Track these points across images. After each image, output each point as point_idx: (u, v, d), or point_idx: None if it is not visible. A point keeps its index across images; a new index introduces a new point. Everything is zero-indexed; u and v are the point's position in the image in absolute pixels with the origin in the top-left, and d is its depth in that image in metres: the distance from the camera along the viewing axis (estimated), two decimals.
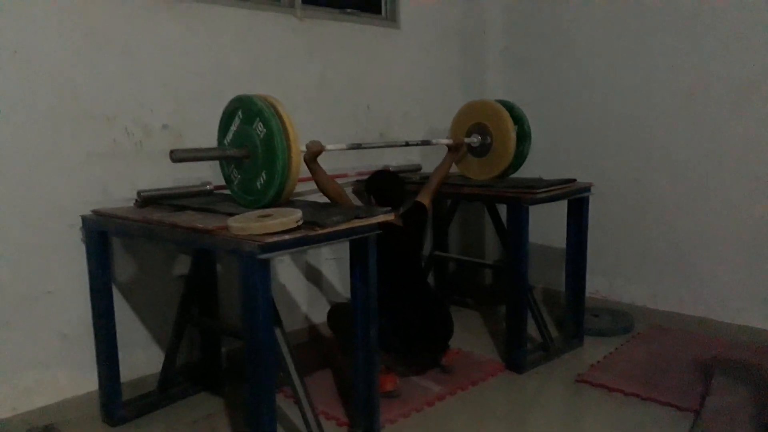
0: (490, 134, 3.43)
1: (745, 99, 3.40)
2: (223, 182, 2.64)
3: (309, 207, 2.42)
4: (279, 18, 3.30)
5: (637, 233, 3.91)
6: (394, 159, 3.90)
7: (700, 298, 3.66)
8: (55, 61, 2.54)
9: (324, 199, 2.77)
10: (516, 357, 3.14)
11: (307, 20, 3.41)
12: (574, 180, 3.38)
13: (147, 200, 2.61)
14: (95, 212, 2.60)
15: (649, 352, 3.34)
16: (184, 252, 2.97)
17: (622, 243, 3.98)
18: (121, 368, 2.67)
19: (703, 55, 3.52)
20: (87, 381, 2.70)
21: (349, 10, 3.68)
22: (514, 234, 3.09)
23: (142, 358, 2.90)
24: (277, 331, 2.27)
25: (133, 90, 2.77)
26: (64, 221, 2.60)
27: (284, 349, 2.29)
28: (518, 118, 3.51)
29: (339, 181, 3.17)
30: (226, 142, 2.52)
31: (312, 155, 2.64)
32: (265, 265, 1.99)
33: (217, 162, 2.67)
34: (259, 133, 2.33)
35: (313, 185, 2.77)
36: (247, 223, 2.02)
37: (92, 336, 2.67)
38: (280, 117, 2.31)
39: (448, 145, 3.34)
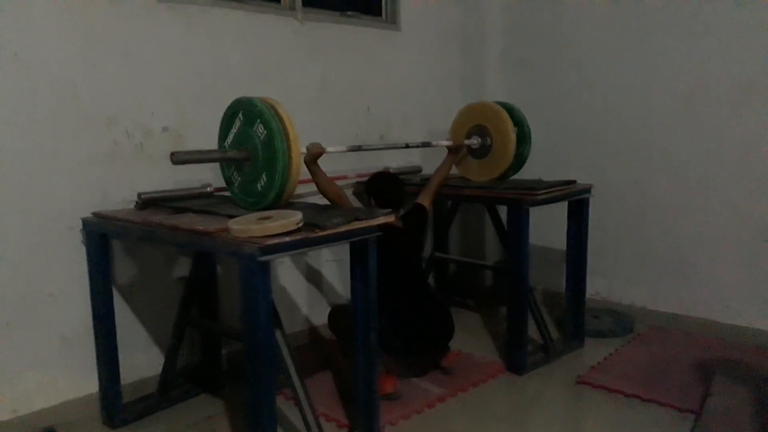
0: (490, 136, 3.44)
1: (745, 99, 3.40)
2: (223, 184, 2.64)
3: (309, 209, 2.43)
4: (279, 20, 3.30)
5: (637, 234, 3.91)
6: (394, 161, 3.90)
7: (700, 299, 3.66)
8: (55, 63, 2.55)
9: (324, 201, 2.77)
10: (516, 358, 3.14)
11: (308, 22, 3.42)
12: (574, 181, 3.38)
13: (147, 202, 2.61)
14: (95, 214, 2.60)
15: (649, 353, 3.34)
16: (184, 254, 2.98)
17: (622, 244, 3.98)
18: (121, 370, 2.67)
19: (703, 55, 3.52)
20: (87, 383, 2.70)
21: (349, 13, 3.68)
22: (515, 235, 3.09)
23: (142, 360, 2.90)
24: (278, 333, 2.27)
25: (133, 92, 2.78)
26: (65, 223, 2.60)
27: (284, 351, 2.29)
28: (518, 120, 3.52)
29: (339, 182, 3.17)
30: (226, 144, 2.52)
31: (312, 157, 2.64)
32: (266, 267, 1.99)
33: (217, 164, 2.67)
34: (259, 134, 2.33)
35: (313, 187, 2.78)
36: (247, 225, 2.03)
37: (92, 338, 2.67)
38: (280, 119, 2.31)
39: (448, 147, 3.34)
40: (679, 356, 3.27)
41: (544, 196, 3.07)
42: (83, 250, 2.63)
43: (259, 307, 1.99)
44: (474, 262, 4.45)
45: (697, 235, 3.65)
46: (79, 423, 2.65)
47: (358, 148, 3.07)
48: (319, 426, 2.34)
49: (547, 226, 3.85)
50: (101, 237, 2.57)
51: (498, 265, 4.29)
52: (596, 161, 4.00)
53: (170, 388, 2.84)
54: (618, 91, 3.89)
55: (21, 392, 2.55)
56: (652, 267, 3.86)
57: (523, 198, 3.02)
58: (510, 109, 3.50)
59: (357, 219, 2.24)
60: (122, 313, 2.79)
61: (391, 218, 2.34)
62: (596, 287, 4.03)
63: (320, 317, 3.59)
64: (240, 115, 2.43)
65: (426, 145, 3.36)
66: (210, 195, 2.79)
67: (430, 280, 4.13)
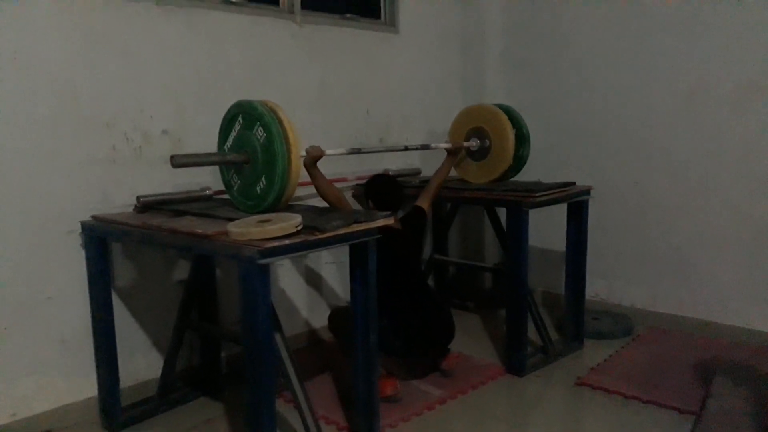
0: (488, 138, 3.44)
1: (745, 99, 3.40)
2: (222, 187, 2.64)
3: (309, 212, 2.43)
4: (278, 23, 3.30)
5: (636, 235, 3.91)
6: (393, 163, 3.90)
7: (700, 299, 3.66)
8: (55, 66, 2.55)
9: (323, 204, 2.77)
10: (516, 360, 3.14)
11: (307, 26, 3.42)
12: (574, 183, 3.38)
13: (146, 205, 2.61)
14: (95, 218, 2.60)
15: (649, 354, 3.34)
16: (183, 257, 2.98)
17: (621, 245, 3.98)
18: (120, 373, 2.67)
19: (703, 55, 3.52)
20: (86, 386, 2.70)
21: (348, 15, 3.69)
22: (514, 237, 3.09)
23: (141, 363, 2.90)
24: (277, 336, 2.27)
25: (133, 95, 2.78)
26: (64, 226, 2.60)
27: (284, 354, 2.29)
28: (516, 122, 3.52)
29: (338, 185, 3.17)
30: (226, 147, 2.52)
31: (312, 160, 2.64)
32: (265, 270, 1.99)
33: (216, 167, 2.67)
34: (259, 137, 2.33)
35: (312, 190, 2.77)
36: (246, 228, 2.03)
37: (92, 341, 2.67)
38: (280, 121, 2.31)
39: (446, 149, 3.34)
40: (679, 357, 3.27)
41: (543, 198, 3.07)
42: (83, 253, 2.63)
43: (259, 309, 1.99)
44: (473, 264, 4.46)
45: (697, 236, 3.65)
46: (79, 426, 2.65)
47: (357, 151, 3.07)
48: (319, 428, 2.33)
49: (547, 228, 3.86)
50: (100, 240, 2.57)
51: (497, 267, 4.28)
52: (596, 162, 4.00)
53: (170, 391, 2.84)
54: (618, 91, 3.89)
55: (20, 396, 2.55)
56: (652, 268, 3.86)
57: (523, 200, 3.02)
58: (508, 111, 3.50)
59: (356, 221, 2.24)
60: (122, 316, 2.78)
61: (390, 220, 2.35)
62: (596, 288, 4.03)
63: (320, 319, 3.59)
64: (240, 118, 2.43)
65: (425, 147, 3.36)
66: (209, 198, 2.79)
67: (430, 282, 4.13)
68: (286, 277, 3.48)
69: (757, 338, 3.41)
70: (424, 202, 3.15)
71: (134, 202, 2.64)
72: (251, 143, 2.36)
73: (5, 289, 2.48)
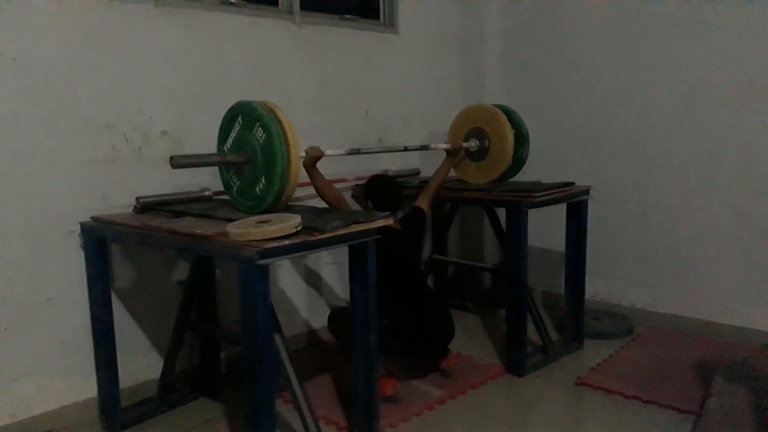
0: (487, 138, 3.44)
1: (745, 99, 3.40)
2: (221, 188, 2.64)
3: (308, 212, 2.43)
4: (278, 24, 3.30)
5: (636, 235, 3.91)
6: (392, 163, 3.91)
7: (700, 300, 3.66)
8: (54, 68, 2.55)
9: (323, 204, 2.77)
10: (516, 360, 3.14)
11: (306, 26, 3.42)
12: (573, 183, 3.38)
13: (146, 206, 2.61)
14: (94, 219, 2.60)
15: (649, 354, 3.34)
16: (183, 258, 2.98)
17: (621, 245, 3.98)
18: (120, 374, 2.67)
19: (703, 55, 3.52)
20: (86, 387, 2.70)
21: (347, 16, 3.69)
22: (514, 237, 3.09)
23: (141, 364, 2.90)
24: (277, 337, 2.27)
25: (132, 96, 2.78)
26: (64, 227, 2.60)
27: (284, 354, 2.29)
28: (515, 122, 3.52)
29: (338, 185, 3.17)
30: (225, 148, 2.52)
31: (311, 160, 2.65)
32: (264, 270, 1.99)
33: (216, 168, 2.67)
34: (258, 138, 2.34)
35: (312, 190, 2.78)
36: (246, 229, 2.03)
37: (91, 342, 2.67)
38: (279, 122, 2.31)
39: (446, 150, 3.35)
40: (678, 357, 3.27)
41: (542, 198, 3.07)
42: (82, 254, 2.63)
43: (258, 310, 1.99)
44: (473, 265, 4.46)
45: (697, 236, 3.65)
46: (78, 427, 2.65)
47: (356, 152, 3.07)
48: (319, 429, 2.33)
49: (546, 228, 3.86)
50: (100, 241, 2.56)
51: (497, 267, 4.28)
52: (596, 162, 4.00)
53: (169, 392, 2.84)
54: (618, 92, 3.89)
55: (20, 397, 2.54)
56: (652, 268, 3.86)
57: (522, 200, 3.02)
58: (507, 112, 3.51)
59: (356, 222, 2.24)
60: (121, 317, 2.78)
61: (389, 221, 2.35)
62: (596, 289, 4.03)
63: (319, 320, 3.59)
64: (239, 119, 2.43)
65: (424, 148, 3.36)
66: (209, 199, 2.79)
67: (430, 282, 4.13)
68: (286, 277, 3.48)
69: (757, 338, 3.41)
70: (423, 203, 3.15)
71: (134, 202, 2.64)
72: (251, 144, 2.36)
73: (5, 290, 2.48)
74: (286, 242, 2.01)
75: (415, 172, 3.98)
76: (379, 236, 2.34)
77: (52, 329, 2.62)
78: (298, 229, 2.07)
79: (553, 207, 3.20)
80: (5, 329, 2.49)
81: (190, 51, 2.96)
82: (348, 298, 2.82)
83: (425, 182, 3.33)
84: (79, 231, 2.61)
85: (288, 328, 3.02)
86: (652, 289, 3.87)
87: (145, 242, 2.43)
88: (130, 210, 2.69)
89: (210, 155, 2.55)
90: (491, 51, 4.52)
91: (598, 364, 3.22)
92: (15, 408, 2.53)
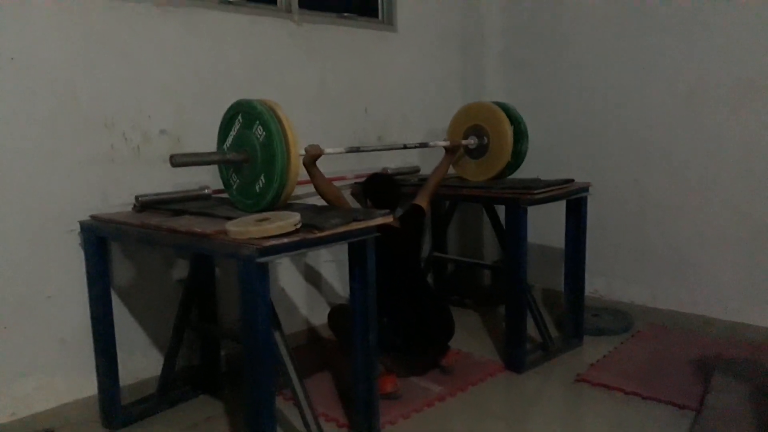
0: (487, 135, 3.44)
1: (745, 99, 3.40)
2: (221, 186, 2.65)
3: (307, 210, 2.43)
4: (276, 23, 3.30)
5: (636, 234, 3.91)
6: (392, 161, 3.91)
7: (699, 297, 3.67)
8: (54, 67, 2.54)
9: (322, 203, 2.78)
10: (515, 357, 3.14)
11: (305, 24, 3.42)
12: (572, 180, 3.38)
13: (145, 205, 2.61)
14: (93, 217, 2.60)
15: (648, 351, 3.35)
16: (182, 256, 2.98)
17: (621, 243, 3.98)
18: (120, 372, 2.67)
19: (703, 55, 3.52)
20: (86, 385, 2.70)
21: (345, 14, 3.68)
22: (513, 234, 3.09)
23: (141, 362, 2.90)
24: (277, 334, 2.27)
25: (131, 95, 2.78)
26: (64, 225, 2.60)
27: (283, 352, 2.29)
28: (515, 119, 3.52)
29: (337, 183, 3.17)
30: (225, 146, 2.52)
31: (311, 158, 2.65)
32: (264, 268, 1.99)
33: (215, 167, 2.67)
34: (258, 136, 2.34)
35: (311, 188, 2.78)
36: (245, 227, 2.03)
37: (91, 340, 2.67)
38: (279, 120, 2.31)
39: (445, 147, 3.35)
40: (678, 354, 3.28)
41: (541, 195, 3.07)
42: (82, 252, 2.63)
43: (258, 308, 2.00)
44: (472, 262, 4.46)
45: (696, 235, 3.65)
46: (79, 425, 2.65)
47: (356, 150, 3.07)
48: (319, 426, 2.34)
49: (546, 225, 3.86)
50: (99, 240, 2.57)
51: (496, 265, 4.29)
52: (596, 161, 4.01)
53: (169, 390, 2.84)
54: (618, 91, 3.90)
55: (20, 395, 2.55)
56: (652, 266, 3.86)
57: (521, 197, 3.02)
58: (506, 108, 3.51)
59: (355, 220, 2.24)
60: (121, 315, 2.79)
61: (389, 219, 2.35)
62: (595, 285, 4.04)
63: (319, 317, 3.60)
64: (239, 118, 2.44)
65: (423, 145, 3.36)
66: (208, 197, 2.79)
67: (429, 279, 4.13)
68: (286, 275, 3.49)
69: (756, 334, 3.42)
70: (422, 201, 3.15)
71: (133, 201, 2.64)
72: (251, 142, 2.37)
73: (5, 288, 2.48)
74: (286, 240, 2.02)
75: (415, 170, 3.98)
76: (378, 234, 2.34)
77: (52, 327, 2.62)
78: (298, 227, 2.07)
79: (552, 204, 3.20)
80: (5, 327, 2.50)
81: (189, 50, 2.96)
82: (348, 295, 2.82)
83: (424, 180, 3.33)
84: (79, 230, 2.62)
85: (288, 325, 3.02)
86: (651, 286, 3.87)
87: (145, 241, 2.44)
88: (130, 208, 2.69)
89: (210, 154, 2.55)
90: (491, 50, 4.52)
91: (598, 361, 3.23)
92: (15, 406, 2.54)
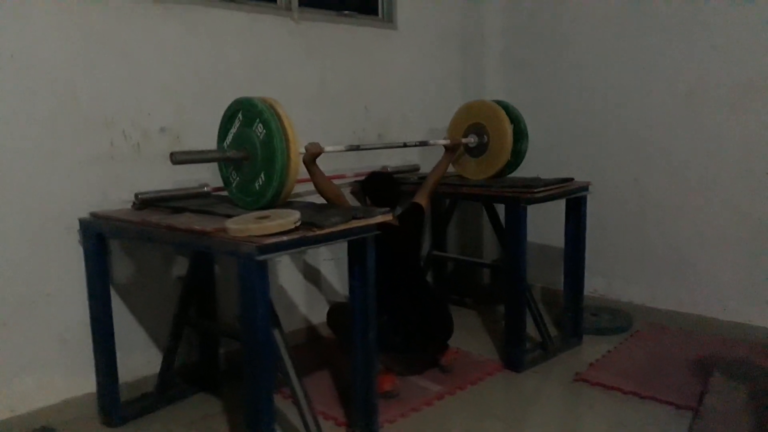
0: (487, 134, 3.44)
1: (744, 99, 3.40)
2: (220, 184, 2.64)
3: (307, 208, 2.43)
4: (276, 20, 3.30)
5: (636, 232, 3.91)
6: (392, 160, 3.90)
7: (699, 297, 3.67)
8: (53, 65, 2.54)
9: (322, 201, 2.77)
10: (514, 356, 3.14)
11: (304, 22, 3.41)
12: (572, 179, 3.38)
13: (145, 202, 2.61)
14: (93, 215, 2.60)
15: (647, 350, 3.35)
16: (182, 254, 2.98)
17: (621, 242, 3.98)
18: (119, 370, 2.67)
19: (703, 55, 3.52)
20: (85, 382, 2.70)
21: (345, 12, 3.68)
22: (513, 233, 3.09)
23: (140, 359, 2.90)
24: (276, 332, 2.27)
25: (131, 93, 2.77)
26: (63, 223, 2.60)
27: (282, 350, 2.29)
28: (515, 118, 3.51)
29: (337, 181, 3.17)
30: (225, 144, 2.52)
31: (311, 157, 2.65)
32: (263, 266, 1.99)
33: (215, 164, 2.67)
34: (258, 134, 2.33)
35: (311, 186, 2.78)
36: (245, 225, 2.03)
37: (90, 338, 2.67)
38: (279, 118, 2.31)
39: (445, 146, 3.35)
40: (677, 354, 3.28)
41: (541, 194, 3.07)
42: (81, 250, 2.63)
43: (258, 306, 1.99)
44: (472, 260, 4.46)
45: (696, 235, 3.65)
46: (77, 422, 2.65)
47: (356, 148, 3.07)
48: (317, 424, 2.34)
49: (545, 224, 3.86)
50: (99, 237, 2.56)
51: (496, 263, 4.28)
52: (596, 161, 4.00)
53: (168, 387, 2.84)
54: (617, 91, 3.89)
55: (19, 392, 2.55)
56: (651, 265, 3.86)
57: (521, 196, 3.02)
58: (506, 107, 3.50)
59: (355, 218, 2.24)
60: (120, 312, 2.79)
61: (388, 217, 2.35)
62: (594, 285, 4.04)
63: (319, 316, 3.59)
64: (240, 115, 2.43)
65: (423, 144, 3.36)
66: (208, 195, 2.79)
67: (429, 278, 4.13)
68: (285, 273, 3.49)
69: (756, 335, 3.42)
70: (422, 199, 3.15)
71: (133, 199, 2.64)
72: (251, 140, 2.36)
73: (5, 286, 2.48)
74: (285, 238, 2.02)
75: (415, 168, 3.98)
76: (378, 232, 2.34)
77: (52, 325, 2.62)
78: (297, 224, 2.07)
79: (552, 203, 3.20)
80: (4, 325, 2.49)
81: (189, 47, 2.95)
82: (347, 294, 2.82)
83: (424, 178, 3.33)
84: (78, 227, 2.61)
85: (287, 323, 3.01)
86: (651, 286, 3.88)
87: (144, 238, 2.43)
88: (129, 206, 2.69)
89: (210, 151, 2.55)
90: (491, 49, 4.52)
91: (597, 360, 3.23)
92: (13, 402, 2.54)
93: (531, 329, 3.27)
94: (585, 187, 3.36)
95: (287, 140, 2.29)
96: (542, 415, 2.78)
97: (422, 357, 3.15)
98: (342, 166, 3.57)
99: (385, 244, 2.56)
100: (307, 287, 3.61)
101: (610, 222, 3.97)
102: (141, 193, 2.61)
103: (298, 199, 2.79)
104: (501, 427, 2.65)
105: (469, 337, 3.57)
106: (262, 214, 2.14)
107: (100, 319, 2.60)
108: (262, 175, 2.35)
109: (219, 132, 2.55)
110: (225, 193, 2.67)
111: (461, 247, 4.54)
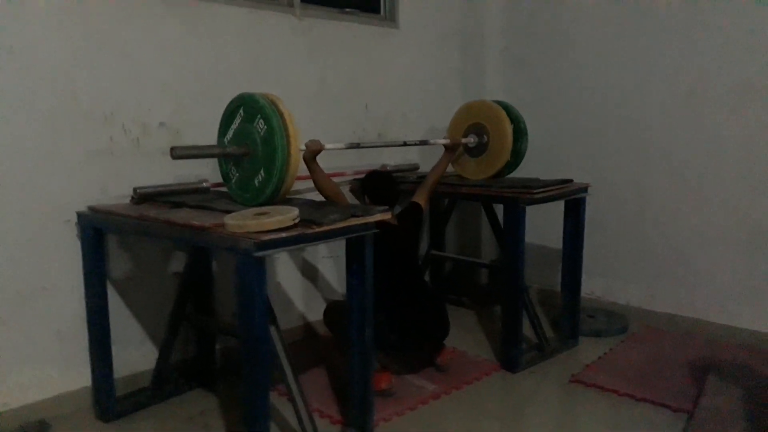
0: (487, 133, 3.44)
1: (744, 99, 3.40)
2: (219, 180, 2.64)
3: (306, 205, 2.42)
4: (278, 17, 3.29)
5: (634, 234, 3.91)
6: (392, 158, 3.90)
7: (698, 299, 3.67)
8: (53, 60, 2.53)
9: (321, 198, 2.77)
10: (511, 356, 3.14)
11: (306, 19, 3.41)
12: (571, 180, 3.38)
13: (143, 197, 2.60)
14: (90, 208, 2.59)
15: (644, 353, 3.35)
16: (180, 249, 2.97)
17: (619, 244, 3.98)
18: (115, 364, 2.67)
19: (703, 55, 3.52)
20: (81, 377, 2.70)
21: (347, 10, 3.67)
22: (511, 234, 3.09)
23: (136, 354, 2.89)
24: (273, 329, 2.26)
25: (131, 88, 2.76)
26: (62, 217, 2.60)
27: (279, 347, 2.28)
28: (514, 118, 3.51)
29: (337, 179, 3.17)
30: (226, 140, 2.51)
31: (311, 154, 2.64)
32: (261, 262, 1.99)
33: (215, 160, 2.67)
34: (259, 130, 2.33)
35: (311, 184, 2.77)
36: (243, 221, 2.02)
37: (86, 332, 2.66)
38: (281, 115, 2.31)
39: (444, 145, 3.35)
40: (673, 356, 3.28)
41: (540, 195, 3.07)
42: (79, 243, 2.62)
43: (255, 302, 1.99)
44: (470, 260, 4.45)
45: (695, 236, 3.65)
46: (72, 416, 2.65)
47: (356, 146, 3.07)
48: (313, 422, 2.34)
49: (544, 225, 3.86)
50: (96, 231, 2.55)
51: (494, 264, 4.28)
52: (595, 161, 4.01)
53: (164, 383, 2.84)
54: (617, 91, 3.89)
55: (14, 385, 2.54)
56: (650, 267, 3.86)
57: (520, 196, 3.02)
58: (507, 107, 3.50)
59: (353, 216, 2.24)
60: (117, 307, 2.78)
61: (387, 215, 2.35)
62: (592, 287, 4.04)
63: (316, 313, 3.59)
64: (241, 111, 2.43)
65: (423, 143, 3.36)
66: (206, 190, 2.78)
67: (427, 277, 4.13)
68: (283, 270, 3.48)
69: (753, 338, 3.42)
70: (420, 198, 3.15)
71: (131, 193, 2.63)
72: (251, 136, 2.36)
73: (1, 280, 2.48)
74: (284, 234, 2.01)
75: (414, 167, 3.98)
76: (376, 231, 2.33)
77: (48, 319, 2.61)
78: (296, 221, 2.07)
79: (551, 204, 3.20)
80: (1, 318, 2.49)
81: (190, 43, 2.95)
82: (344, 292, 2.82)
83: (423, 177, 3.32)
84: (76, 220, 2.61)
85: (284, 320, 3.02)
86: (649, 288, 3.88)
87: (142, 232, 2.43)
88: (128, 201, 2.68)
89: (211, 147, 2.54)
90: (491, 48, 4.52)
91: (593, 362, 3.23)
92: (8, 396, 2.53)
93: (527, 330, 3.27)
94: (584, 189, 3.36)
95: (288, 137, 2.28)
96: (538, 415, 2.79)
97: (419, 356, 3.15)
98: (342, 164, 3.57)
99: (383, 243, 2.56)
100: (304, 284, 3.61)
101: (608, 222, 3.97)
102: (139, 188, 2.60)
103: (297, 197, 2.78)
104: (497, 427, 2.66)
105: (466, 337, 3.57)
106: (261, 210, 2.14)
107: (97, 314, 2.60)
108: (262, 172, 2.34)
109: (220, 128, 2.54)
110: (224, 188, 2.67)
111: (459, 247, 4.54)
